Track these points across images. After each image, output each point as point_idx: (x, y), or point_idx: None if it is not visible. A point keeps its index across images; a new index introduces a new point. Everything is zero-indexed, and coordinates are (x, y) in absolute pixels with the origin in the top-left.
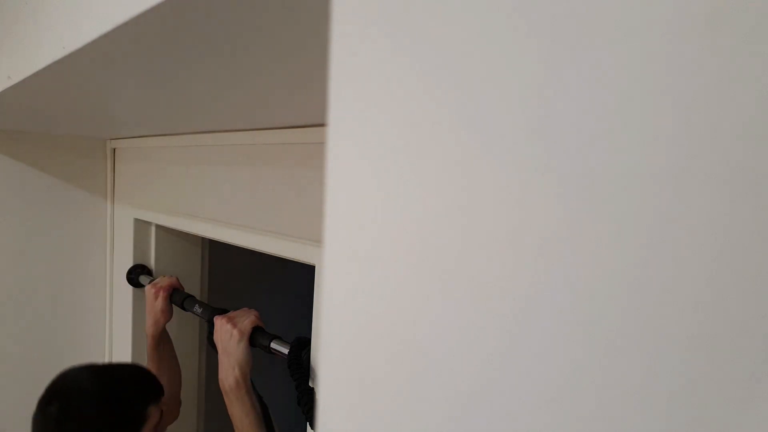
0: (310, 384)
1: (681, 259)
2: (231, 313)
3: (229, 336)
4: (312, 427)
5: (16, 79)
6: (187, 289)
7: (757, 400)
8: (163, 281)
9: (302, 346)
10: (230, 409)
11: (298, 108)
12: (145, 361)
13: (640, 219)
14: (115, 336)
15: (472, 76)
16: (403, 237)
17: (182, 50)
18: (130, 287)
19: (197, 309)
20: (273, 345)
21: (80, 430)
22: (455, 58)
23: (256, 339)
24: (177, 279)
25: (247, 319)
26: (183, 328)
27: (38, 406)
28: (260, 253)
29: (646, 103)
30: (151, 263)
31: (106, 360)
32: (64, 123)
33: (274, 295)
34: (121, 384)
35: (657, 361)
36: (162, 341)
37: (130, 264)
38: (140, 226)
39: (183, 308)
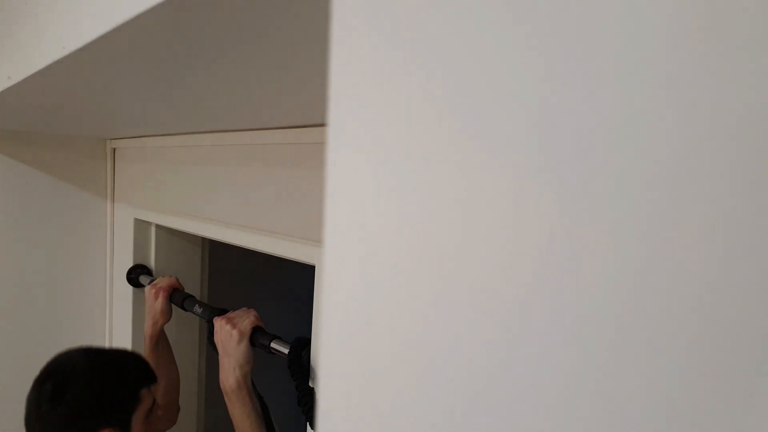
0: (310, 384)
1: (681, 259)
2: (230, 314)
3: (229, 337)
4: (312, 427)
5: (16, 79)
6: (187, 289)
7: (758, 402)
8: (162, 282)
9: (302, 346)
10: (231, 410)
11: (298, 108)
12: None
13: (639, 219)
14: (115, 336)
15: (471, 76)
16: (403, 237)
17: (182, 50)
18: (130, 287)
19: (197, 309)
20: (273, 345)
21: (74, 408)
22: (454, 59)
23: (257, 339)
24: (177, 279)
25: (246, 320)
26: (183, 328)
27: (33, 384)
28: (260, 253)
29: (645, 104)
30: (151, 263)
31: None
32: (64, 123)
33: (274, 295)
34: (114, 365)
35: (657, 363)
36: (160, 343)
37: (130, 264)
38: (140, 226)
39: (183, 308)
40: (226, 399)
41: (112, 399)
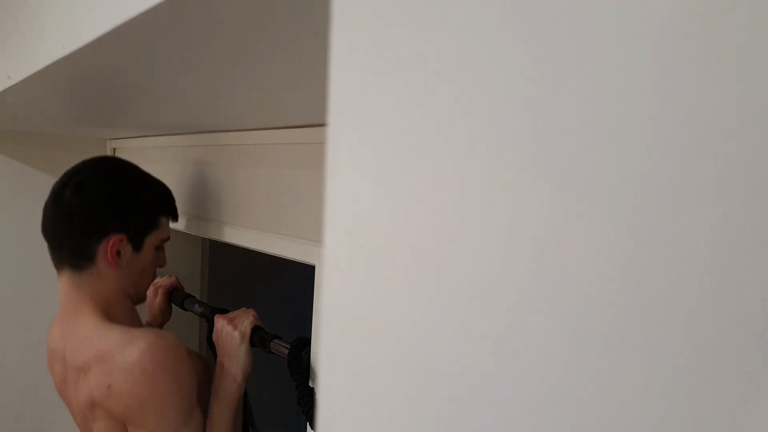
0: (310, 384)
1: (680, 259)
2: (230, 314)
3: (231, 338)
4: (312, 427)
5: (16, 79)
6: (187, 289)
7: (758, 403)
8: (162, 281)
9: (302, 346)
10: (211, 411)
11: (298, 108)
12: None
13: (638, 219)
14: None
15: (469, 75)
16: (403, 237)
17: (181, 51)
18: None
19: (197, 308)
20: (273, 345)
21: (94, 200)
22: (453, 58)
23: (256, 339)
24: (177, 279)
25: (246, 320)
26: (183, 328)
27: (60, 177)
28: (260, 253)
29: (643, 102)
30: None
31: None
32: (64, 123)
33: (274, 295)
34: (140, 181)
35: (656, 363)
36: None
37: None
38: None
39: (183, 308)
40: (213, 397)
41: (133, 209)
